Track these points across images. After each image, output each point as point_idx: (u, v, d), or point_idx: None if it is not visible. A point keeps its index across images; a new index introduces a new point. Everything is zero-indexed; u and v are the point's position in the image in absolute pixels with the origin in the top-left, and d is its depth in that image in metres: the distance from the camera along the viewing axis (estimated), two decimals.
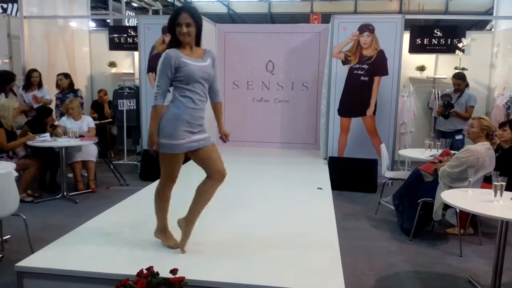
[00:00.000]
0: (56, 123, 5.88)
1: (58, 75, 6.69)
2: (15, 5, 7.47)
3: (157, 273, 2.26)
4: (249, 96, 7.21)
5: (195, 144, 2.81)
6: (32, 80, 6.43)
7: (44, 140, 5.24)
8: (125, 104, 7.13)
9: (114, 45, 8.08)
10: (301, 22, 13.56)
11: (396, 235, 4.26)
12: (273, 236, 3.11)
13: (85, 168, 5.80)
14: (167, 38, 6.22)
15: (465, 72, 6.27)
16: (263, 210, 3.79)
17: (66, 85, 6.63)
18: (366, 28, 5.97)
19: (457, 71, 6.43)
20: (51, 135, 5.42)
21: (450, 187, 3.75)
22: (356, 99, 6.08)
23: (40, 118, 5.73)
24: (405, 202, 4.34)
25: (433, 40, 7.22)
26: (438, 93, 6.93)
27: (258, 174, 5.41)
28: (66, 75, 6.73)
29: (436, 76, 7.45)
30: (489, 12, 14.86)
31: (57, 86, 6.63)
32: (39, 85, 6.48)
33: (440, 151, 4.88)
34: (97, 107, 7.54)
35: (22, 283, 2.52)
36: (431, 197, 3.97)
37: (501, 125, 4.60)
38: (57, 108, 6.49)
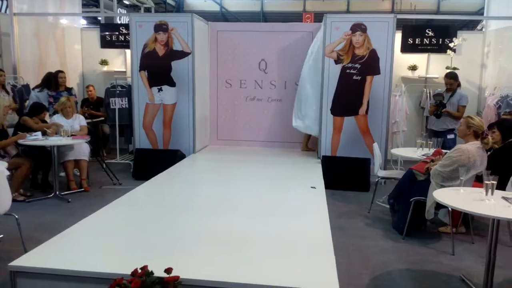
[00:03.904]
0: (49, 121, 5.83)
1: (61, 72, 6.66)
2: (5, 2, 7.39)
3: (152, 272, 2.25)
4: (242, 95, 7.20)
5: None
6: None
7: (35, 138, 5.20)
8: (117, 103, 7.09)
9: (106, 43, 8.04)
10: (294, 21, 13.56)
11: (389, 234, 4.29)
12: (267, 236, 3.11)
13: (77, 167, 5.77)
14: (159, 36, 6.26)
15: (456, 71, 6.32)
16: (256, 209, 3.79)
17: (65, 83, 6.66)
18: (358, 28, 6.00)
19: (449, 70, 6.49)
20: (43, 134, 5.38)
21: (442, 186, 3.79)
22: (348, 98, 6.11)
23: (32, 115, 5.68)
24: (399, 201, 4.37)
25: (425, 39, 7.28)
26: (430, 93, 6.99)
27: (251, 173, 5.41)
28: (64, 73, 6.73)
29: (427, 76, 7.51)
30: (480, 12, 15.00)
31: (60, 84, 6.59)
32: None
33: (432, 150, 4.92)
34: (86, 105, 7.50)
35: (15, 282, 2.50)
36: (424, 196, 4.00)
37: (490, 127, 4.58)
38: (51, 106, 6.45)
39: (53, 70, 6.79)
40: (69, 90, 6.70)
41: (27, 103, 6.50)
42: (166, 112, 6.46)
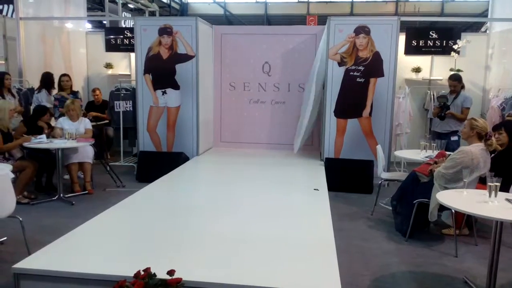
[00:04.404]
0: (53, 124, 5.87)
1: (64, 76, 6.70)
2: (11, 6, 7.46)
3: (154, 274, 2.26)
4: (246, 98, 7.22)
5: None
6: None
7: (40, 141, 5.23)
8: (122, 106, 7.12)
9: (111, 47, 8.08)
10: (298, 24, 13.60)
11: (392, 236, 4.28)
12: (270, 237, 3.12)
13: (81, 169, 5.80)
14: (163, 39, 6.29)
15: (460, 73, 6.31)
16: (259, 211, 3.79)
17: (70, 87, 6.69)
18: (362, 30, 6.00)
19: (452, 72, 6.47)
20: (48, 136, 5.42)
21: (445, 188, 3.78)
22: (352, 100, 6.11)
23: (36, 118, 5.71)
24: (402, 203, 4.37)
25: (429, 41, 7.26)
26: (433, 95, 6.97)
27: (254, 175, 5.42)
28: (69, 77, 6.76)
29: (431, 78, 7.49)
30: (484, 14, 14.97)
31: (63, 87, 6.63)
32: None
33: (435, 152, 4.91)
34: (92, 108, 7.53)
35: (19, 285, 2.51)
36: (427, 198, 3.99)
37: (496, 128, 4.51)
38: (56, 109, 6.50)
39: (58, 74, 6.85)
40: (75, 94, 6.75)
41: (32, 106, 6.55)
42: (170, 115, 6.48)
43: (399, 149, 6.42)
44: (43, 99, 6.47)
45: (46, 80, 6.59)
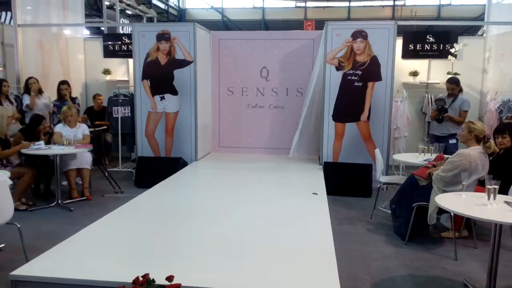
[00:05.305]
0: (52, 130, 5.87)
1: (63, 84, 6.69)
2: (9, 13, 7.47)
3: (153, 280, 2.25)
4: (244, 102, 7.23)
5: None
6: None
7: (38, 148, 5.23)
8: (120, 111, 7.13)
9: (109, 53, 8.09)
10: (295, 29, 13.63)
11: (392, 239, 4.27)
12: (269, 242, 3.11)
13: (79, 175, 5.79)
14: (161, 45, 6.30)
15: (457, 77, 6.32)
16: (258, 216, 3.79)
17: (69, 93, 6.70)
18: (359, 34, 6.02)
19: (450, 76, 6.49)
20: (46, 143, 5.41)
21: (444, 191, 3.77)
22: (350, 104, 6.12)
23: (32, 126, 5.70)
24: (401, 206, 4.36)
25: (426, 45, 7.29)
26: (431, 98, 6.98)
27: (253, 179, 5.42)
28: (68, 84, 6.76)
29: (429, 81, 7.51)
30: (481, 17, 15.04)
31: (63, 95, 6.62)
32: (40, 92, 6.59)
33: (434, 155, 4.91)
34: (91, 114, 7.53)
35: None
36: (426, 201, 3.99)
37: (499, 132, 4.40)
38: (55, 115, 6.48)
39: (57, 80, 6.87)
40: (73, 100, 6.75)
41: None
42: (168, 120, 6.48)
43: (398, 153, 6.42)
44: (23, 102, 6.49)
45: (25, 85, 6.61)
